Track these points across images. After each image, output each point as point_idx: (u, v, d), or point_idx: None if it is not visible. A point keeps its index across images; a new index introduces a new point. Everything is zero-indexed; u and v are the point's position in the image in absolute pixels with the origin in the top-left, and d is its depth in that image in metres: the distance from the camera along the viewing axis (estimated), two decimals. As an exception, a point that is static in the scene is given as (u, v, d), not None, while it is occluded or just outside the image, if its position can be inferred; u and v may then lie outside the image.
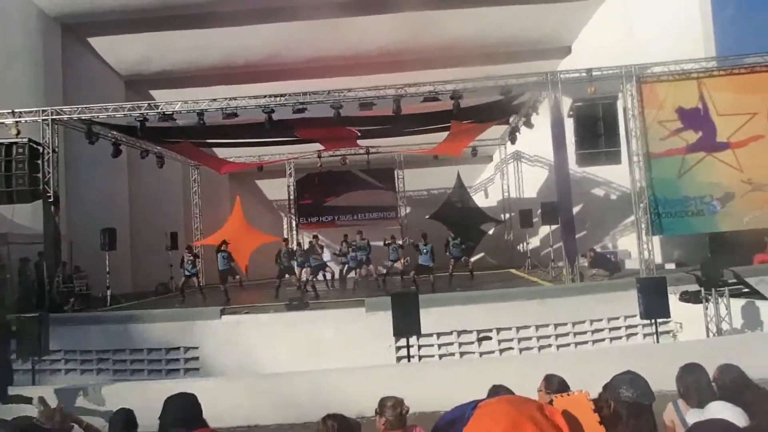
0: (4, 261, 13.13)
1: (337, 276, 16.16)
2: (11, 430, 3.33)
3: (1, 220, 12.85)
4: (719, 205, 11.70)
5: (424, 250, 14.01)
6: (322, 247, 15.63)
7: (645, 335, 10.24)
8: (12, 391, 8.24)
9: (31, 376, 9.42)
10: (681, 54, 12.12)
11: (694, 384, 3.31)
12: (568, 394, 2.20)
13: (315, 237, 16.34)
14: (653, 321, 9.21)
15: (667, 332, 10.13)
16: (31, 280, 13.58)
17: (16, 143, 12.11)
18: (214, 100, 12.74)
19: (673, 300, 9.40)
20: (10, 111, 12.55)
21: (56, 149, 12.89)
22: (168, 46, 16.48)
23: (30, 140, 12.25)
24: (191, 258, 14.50)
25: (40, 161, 12.45)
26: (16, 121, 12.48)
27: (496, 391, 3.13)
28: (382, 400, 3.40)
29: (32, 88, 14.85)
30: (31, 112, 12.74)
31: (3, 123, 12.53)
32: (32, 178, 12.20)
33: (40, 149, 12.50)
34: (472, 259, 16.38)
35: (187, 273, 14.47)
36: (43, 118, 12.71)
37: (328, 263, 15.97)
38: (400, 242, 16.19)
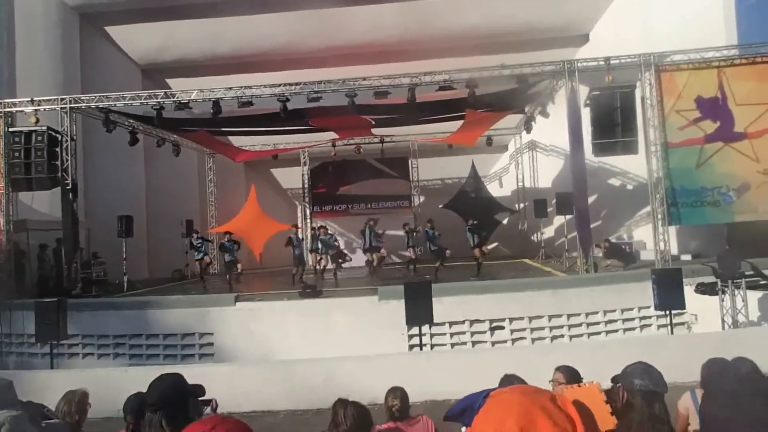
0: (23, 247, 13.36)
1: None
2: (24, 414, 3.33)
3: (20, 207, 13.05)
4: (735, 195, 11.55)
5: (436, 234, 13.88)
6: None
7: (659, 326, 10.19)
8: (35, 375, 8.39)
9: (49, 359, 9.64)
10: (701, 42, 11.90)
11: (717, 377, 3.27)
12: (579, 386, 2.20)
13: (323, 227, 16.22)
14: (668, 312, 9.15)
15: (682, 324, 10.07)
16: (49, 266, 13.82)
17: (35, 131, 12.32)
18: (230, 88, 12.80)
19: (689, 291, 9.33)
20: (30, 99, 12.72)
21: (74, 137, 13.05)
22: (183, 35, 16.52)
23: (49, 128, 12.44)
24: (196, 247, 14.59)
25: (58, 149, 12.63)
26: (35, 110, 12.64)
27: (509, 380, 3.13)
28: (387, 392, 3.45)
29: (51, 77, 15.01)
30: (49, 100, 12.89)
31: (23, 111, 12.72)
32: (51, 165, 12.41)
33: (59, 137, 12.67)
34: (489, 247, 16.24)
35: (196, 258, 14.66)
36: (62, 106, 12.86)
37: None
38: (416, 229, 16.00)
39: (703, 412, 2.77)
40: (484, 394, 1.75)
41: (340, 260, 15.14)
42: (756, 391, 2.40)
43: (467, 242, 13.76)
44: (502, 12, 16.00)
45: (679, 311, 9.43)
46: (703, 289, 9.45)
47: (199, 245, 14.47)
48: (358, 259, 16.69)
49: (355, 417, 2.85)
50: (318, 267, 15.28)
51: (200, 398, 2.64)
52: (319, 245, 14.98)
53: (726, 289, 9.11)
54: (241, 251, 14.99)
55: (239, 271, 14.05)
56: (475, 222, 13.93)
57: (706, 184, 11.64)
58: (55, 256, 13.66)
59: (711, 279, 9.38)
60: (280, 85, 12.72)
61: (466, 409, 1.93)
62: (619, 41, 14.14)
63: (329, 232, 15.60)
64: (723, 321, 9.20)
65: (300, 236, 14.96)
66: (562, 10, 16.11)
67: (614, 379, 2.59)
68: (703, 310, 9.80)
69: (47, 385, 6.78)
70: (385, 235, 15.64)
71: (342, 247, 16.46)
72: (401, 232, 16.45)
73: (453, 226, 15.51)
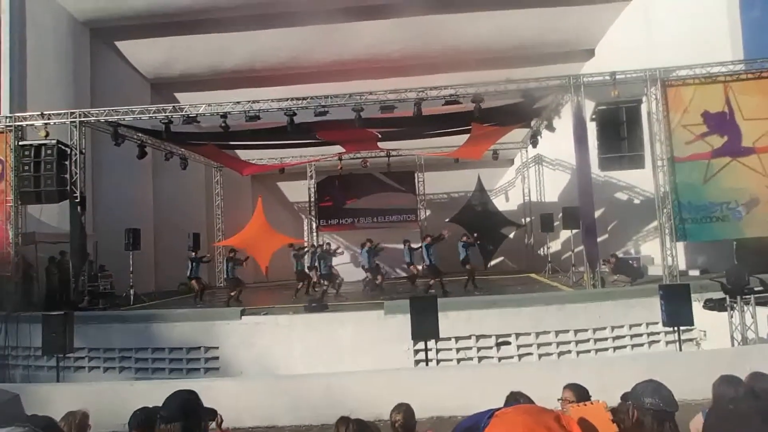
0: (31, 259, 13.42)
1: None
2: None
3: (29, 220, 13.14)
4: (744, 210, 11.46)
5: (431, 250, 13.68)
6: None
7: (668, 343, 10.08)
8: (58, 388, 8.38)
9: (55, 372, 9.63)
10: (707, 57, 11.91)
11: (730, 396, 3.22)
12: (585, 404, 2.18)
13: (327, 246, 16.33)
14: (676, 329, 9.05)
15: (691, 340, 9.96)
16: (57, 279, 13.86)
17: (45, 144, 12.43)
18: (237, 102, 12.89)
19: (697, 307, 9.23)
20: (40, 113, 12.86)
21: (83, 151, 13.16)
22: (192, 50, 16.70)
23: (58, 142, 12.56)
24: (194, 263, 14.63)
25: (67, 162, 12.74)
26: (46, 123, 12.78)
27: (515, 398, 3.11)
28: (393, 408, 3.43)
29: (61, 91, 15.17)
30: (59, 114, 13.03)
31: (33, 125, 12.85)
32: (60, 178, 12.51)
33: (68, 150, 12.78)
34: (493, 262, 16.10)
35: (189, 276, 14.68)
36: (71, 120, 12.99)
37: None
38: (415, 246, 15.82)
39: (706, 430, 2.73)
40: (489, 414, 1.75)
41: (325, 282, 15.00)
42: (760, 410, 2.35)
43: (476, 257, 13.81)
44: (508, 27, 16.08)
45: (688, 327, 9.33)
46: (712, 305, 9.36)
47: (193, 265, 14.42)
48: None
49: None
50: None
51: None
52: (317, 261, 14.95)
53: (735, 305, 9.01)
54: (247, 265, 14.95)
55: (238, 293, 13.71)
56: (465, 239, 14.04)
57: (713, 199, 11.55)
58: (62, 269, 13.70)
59: (720, 295, 9.29)
60: (287, 99, 12.80)
61: (471, 428, 1.93)
62: (624, 56, 14.17)
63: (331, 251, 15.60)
64: (732, 337, 9.09)
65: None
66: (568, 25, 16.18)
67: (624, 397, 2.57)
68: (712, 326, 9.69)
69: (53, 398, 6.79)
70: (380, 255, 15.65)
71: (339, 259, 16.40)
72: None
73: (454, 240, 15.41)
